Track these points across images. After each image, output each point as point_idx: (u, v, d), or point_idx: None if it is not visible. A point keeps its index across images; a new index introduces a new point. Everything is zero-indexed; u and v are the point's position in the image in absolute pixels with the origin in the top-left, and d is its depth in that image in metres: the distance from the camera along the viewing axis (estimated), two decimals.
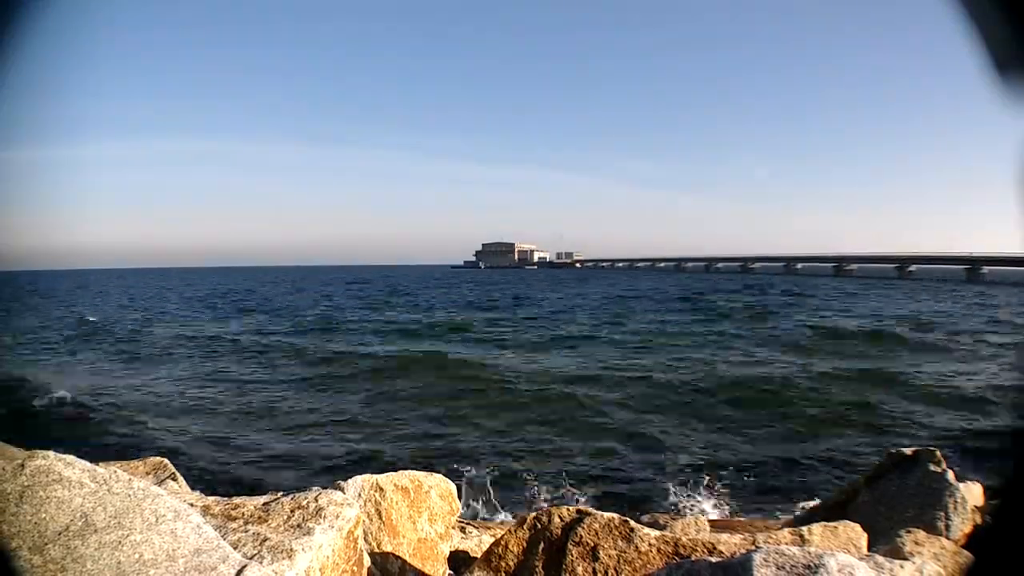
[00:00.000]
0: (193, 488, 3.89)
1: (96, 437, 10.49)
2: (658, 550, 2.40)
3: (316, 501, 2.24)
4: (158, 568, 1.63)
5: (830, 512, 4.36)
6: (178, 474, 3.93)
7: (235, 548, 1.87)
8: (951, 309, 33.53)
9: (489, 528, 4.77)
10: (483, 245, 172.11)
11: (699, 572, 1.77)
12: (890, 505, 4.29)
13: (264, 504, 2.22)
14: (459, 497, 3.54)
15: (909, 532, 3.34)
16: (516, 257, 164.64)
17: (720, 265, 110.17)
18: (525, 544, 2.61)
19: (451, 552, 3.40)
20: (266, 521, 2.12)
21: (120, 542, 1.65)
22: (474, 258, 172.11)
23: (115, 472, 1.86)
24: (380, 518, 2.97)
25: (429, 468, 4.27)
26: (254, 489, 6.88)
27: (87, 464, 1.84)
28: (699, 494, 7.87)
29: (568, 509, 2.65)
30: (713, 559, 1.80)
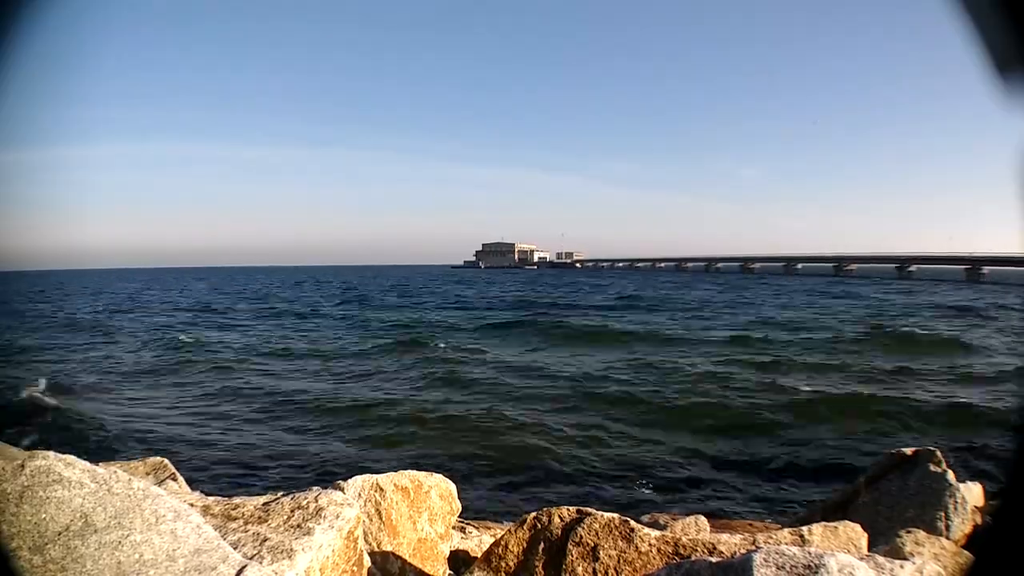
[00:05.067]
0: (193, 488, 3.89)
1: (96, 437, 10.48)
2: (658, 550, 2.40)
3: (316, 501, 2.24)
4: (158, 568, 1.63)
5: (830, 512, 4.37)
6: (178, 474, 3.93)
7: (235, 548, 1.87)
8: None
9: (489, 528, 4.77)
10: (483, 245, 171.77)
11: (699, 572, 1.77)
12: (890, 505, 4.29)
13: (264, 504, 2.22)
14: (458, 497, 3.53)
15: (909, 532, 3.34)
16: (516, 257, 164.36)
17: (720, 265, 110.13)
18: (525, 544, 2.61)
19: (451, 552, 3.40)
20: (266, 521, 2.12)
21: (120, 542, 1.65)
22: (474, 258, 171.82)
23: (115, 472, 1.86)
24: (380, 518, 2.97)
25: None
26: (254, 489, 6.88)
27: (87, 464, 1.84)
28: (697, 494, 7.86)
29: (568, 509, 2.65)
30: (713, 559, 1.80)
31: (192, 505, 2.04)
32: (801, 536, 2.73)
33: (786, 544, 1.85)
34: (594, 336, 23.11)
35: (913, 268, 76.02)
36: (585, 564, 2.42)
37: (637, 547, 2.41)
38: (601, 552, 2.43)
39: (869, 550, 2.94)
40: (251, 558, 1.85)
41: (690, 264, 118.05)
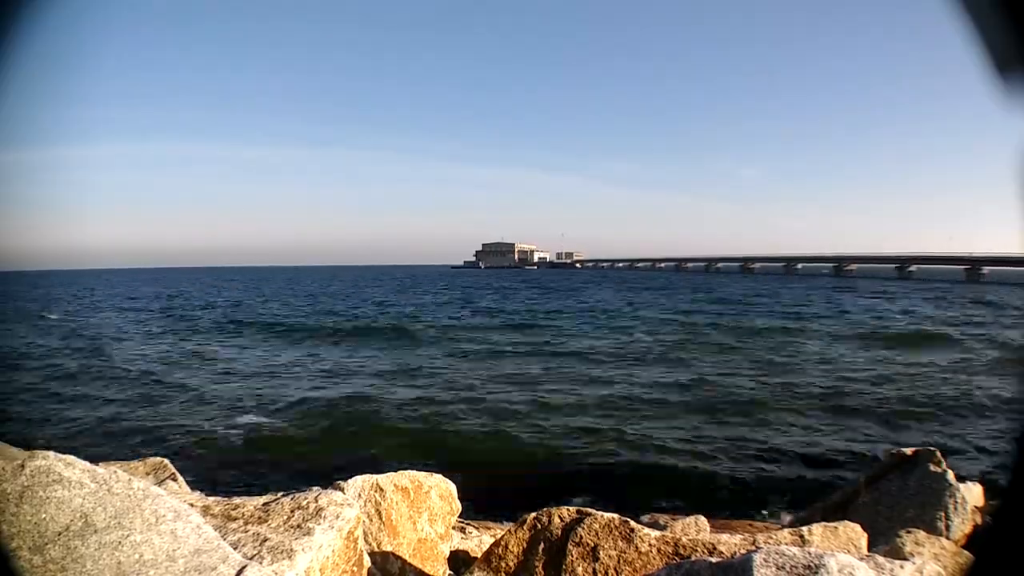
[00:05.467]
0: (193, 488, 3.89)
1: (96, 437, 10.48)
2: (658, 550, 2.40)
3: (316, 501, 2.24)
4: (158, 568, 1.63)
5: (830, 512, 4.37)
6: (178, 474, 3.93)
7: (235, 548, 1.87)
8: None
9: (489, 528, 4.77)
10: (483, 245, 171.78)
11: (699, 572, 1.77)
12: (890, 505, 4.29)
13: (264, 504, 2.22)
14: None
15: (909, 532, 3.34)
16: (516, 257, 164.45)
17: (720, 265, 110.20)
18: (525, 544, 2.61)
19: (451, 552, 3.40)
20: (266, 521, 2.11)
21: (120, 542, 1.65)
22: (474, 258, 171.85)
23: (115, 472, 1.86)
24: (380, 518, 2.97)
25: None
26: (254, 489, 6.87)
27: (87, 464, 1.84)
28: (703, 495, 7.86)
29: (568, 509, 2.65)
30: (713, 559, 1.80)
31: (192, 505, 2.04)
32: (801, 536, 2.73)
33: (786, 544, 1.85)
34: None
35: (913, 268, 76.10)
36: (585, 564, 2.42)
37: (637, 547, 2.41)
38: (601, 552, 2.43)
39: (869, 550, 2.94)
40: (251, 558, 1.85)
41: (690, 264, 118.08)
